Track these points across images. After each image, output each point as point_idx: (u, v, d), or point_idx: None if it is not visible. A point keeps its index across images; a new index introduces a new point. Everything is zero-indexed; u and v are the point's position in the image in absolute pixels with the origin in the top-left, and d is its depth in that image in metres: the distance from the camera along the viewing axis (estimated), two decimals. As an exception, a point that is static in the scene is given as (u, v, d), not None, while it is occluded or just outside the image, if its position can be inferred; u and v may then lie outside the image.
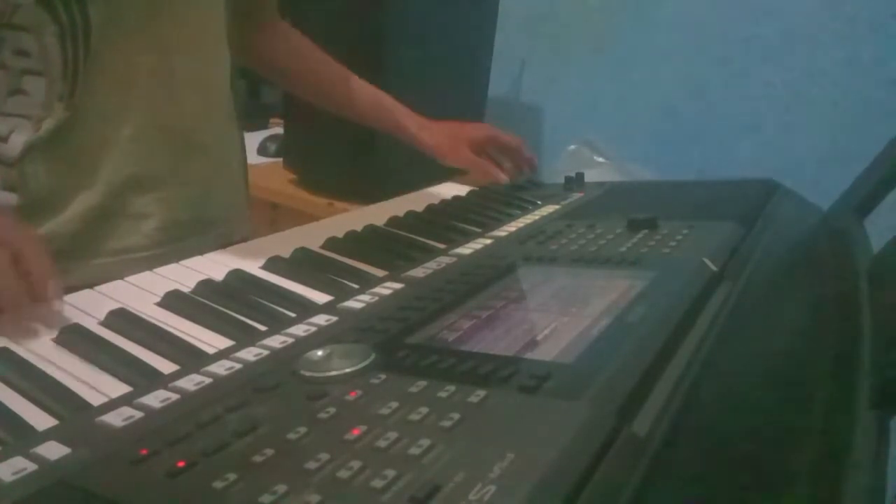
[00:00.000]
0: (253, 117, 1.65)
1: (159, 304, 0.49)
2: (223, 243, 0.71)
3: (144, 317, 0.47)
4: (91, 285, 0.51)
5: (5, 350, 0.42)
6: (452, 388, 0.32)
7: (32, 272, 0.46)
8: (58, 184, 0.62)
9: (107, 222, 0.65)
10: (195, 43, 0.68)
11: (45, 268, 0.46)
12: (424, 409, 0.30)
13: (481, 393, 0.31)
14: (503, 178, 0.88)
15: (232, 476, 0.27)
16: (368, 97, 0.89)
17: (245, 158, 0.83)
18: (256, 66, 0.88)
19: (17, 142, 0.60)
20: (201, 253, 0.60)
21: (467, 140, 0.89)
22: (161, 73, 0.65)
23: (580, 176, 0.87)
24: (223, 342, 0.43)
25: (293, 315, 0.47)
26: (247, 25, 0.82)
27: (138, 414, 0.34)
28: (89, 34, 0.60)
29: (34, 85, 0.60)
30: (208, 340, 0.44)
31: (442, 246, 0.63)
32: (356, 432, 0.29)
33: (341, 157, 1.24)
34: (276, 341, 0.42)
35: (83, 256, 0.64)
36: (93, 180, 0.63)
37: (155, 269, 0.55)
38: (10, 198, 0.61)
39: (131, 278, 0.53)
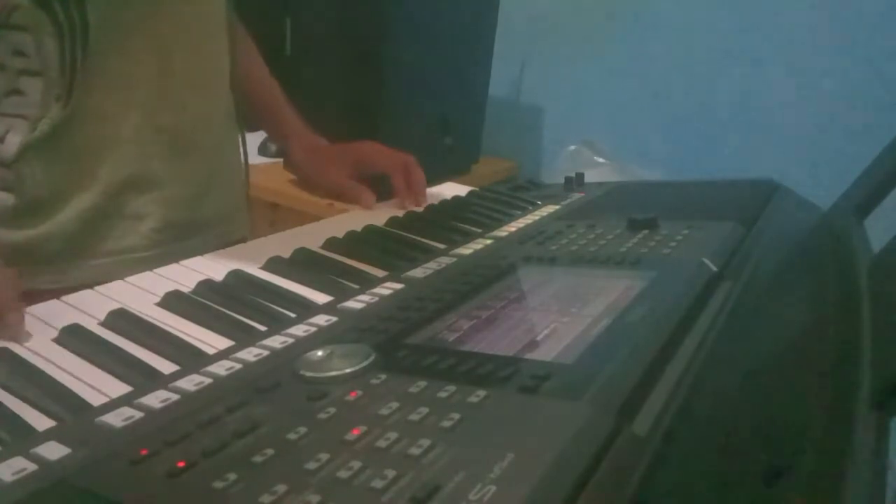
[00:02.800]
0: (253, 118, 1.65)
1: (159, 304, 0.49)
2: (222, 243, 0.71)
3: (144, 317, 0.47)
4: (89, 286, 0.51)
5: (5, 350, 0.42)
6: (452, 388, 0.32)
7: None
8: (55, 184, 0.62)
9: (104, 223, 0.65)
10: (194, 43, 0.67)
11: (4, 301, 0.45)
12: (424, 410, 0.30)
13: (481, 393, 0.31)
14: (366, 201, 0.78)
15: (232, 476, 0.27)
16: (269, 99, 0.87)
17: (246, 158, 0.83)
18: None
19: (13, 142, 0.60)
20: (200, 253, 0.60)
21: (344, 161, 0.82)
22: (159, 73, 0.65)
23: (580, 176, 0.87)
24: (223, 342, 0.43)
25: (293, 315, 0.47)
26: None
27: (138, 414, 0.34)
28: (87, 34, 0.59)
29: (31, 85, 0.60)
30: (208, 340, 0.44)
31: (442, 246, 0.63)
32: (356, 432, 0.29)
33: (341, 158, 1.24)
34: (276, 341, 0.42)
35: (80, 257, 0.64)
36: (90, 181, 0.63)
37: (155, 270, 0.55)
38: (6, 198, 0.61)
39: (131, 278, 0.53)
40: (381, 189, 0.81)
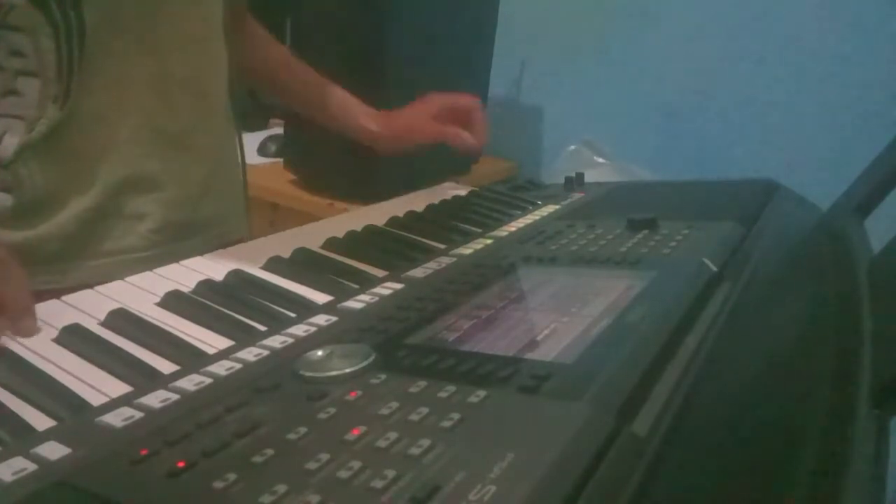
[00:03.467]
0: (253, 117, 1.65)
1: (159, 304, 0.49)
2: (221, 244, 0.71)
3: (144, 317, 0.47)
4: (88, 286, 0.51)
5: (5, 350, 0.42)
6: (452, 388, 0.32)
7: (8, 310, 0.45)
8: (52, 185, 0.62)
9: (102, 224, 0.65)
10: (191, 44, 0.67)
11: (21, 306, 0.45)
12: (424, 410, 0.30)
13: (481, 393, 0.31)
14: (467, 138, 0.81)
15: (232, 476, 0.27)
16: (316, 84, 0.88)
17: (243, 159, 0.83)
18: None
19: (11, 143, 0.60)
20: (199, 253, 0.59)
21: (422, 114, 0.85)
22: (156, 74, 0.65)
23: (580, 176, 0.87)
24: (223, 342, 0.43)
25: (293, 315, 0.47)
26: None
27: (138, 414, 0.34)
28: (84, 35, 0.59)
29: (28, 86, 0.60)
30: (208, 340, 0.44)
31: (442, 246, 0.63)
32: (356, 432, 0.29)
33: (341, 157, 1.24)
34: (276, 341, 0.42)
35: (79, 258, 0.64)
36: (88, 182, 0.63)
37: (155, 270, 0.55)
38: (5, 199, 0.61)
39: (131, 278, 0.53)
40: (383, 188, 0.81)
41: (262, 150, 1.53)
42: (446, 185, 0.90)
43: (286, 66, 0.88)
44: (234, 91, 0.77)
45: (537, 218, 0.71)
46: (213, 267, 0.56)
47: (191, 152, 0.69)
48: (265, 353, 0.41)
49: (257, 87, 0.96)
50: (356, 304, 0.48)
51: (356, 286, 0.53)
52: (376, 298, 0.49)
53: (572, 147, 1.53)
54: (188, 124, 0.69)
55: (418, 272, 0.55)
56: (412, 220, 0.72)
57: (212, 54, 0.72)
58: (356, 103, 0.87)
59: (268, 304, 0.50)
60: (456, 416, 0.30)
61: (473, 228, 0.69)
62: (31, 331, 0.45)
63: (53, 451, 0.31)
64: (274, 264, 0.57)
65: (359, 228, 0.67)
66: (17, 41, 0.59)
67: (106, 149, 0.63)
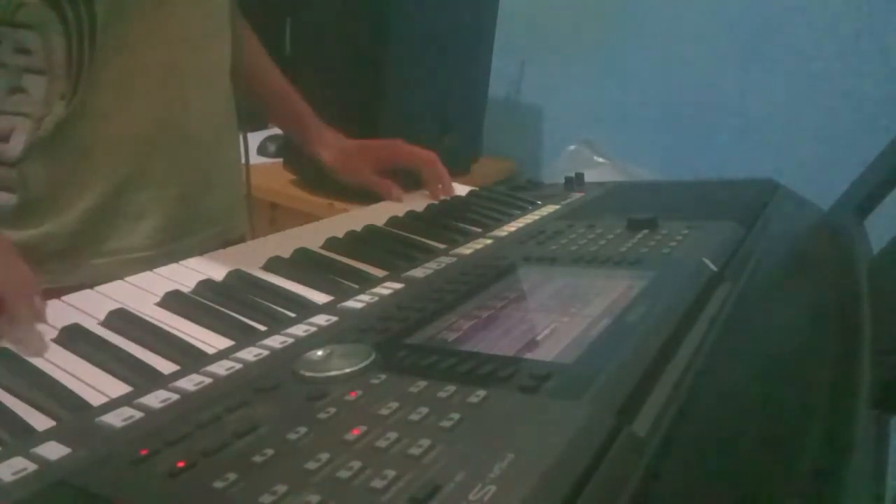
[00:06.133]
0: (253, 117, 1.65)
1: (159, 304, 0.49)
2: (221, 242, 0.71)
3: (144, 317, 0.47)
4: (90, 285, 0.51)
5: (5, 350, 0.42)
6: (452, 388, 0.32)
7: (13, 313, 0.44)
8: (57, 183, 0.62)
9: (106, 222, 0.65)
10: (197, 40, 0.67)
11: (25, 309, 0.45)
12: (424, 410, 0.30)
13: (481, 393, 0.31)
14: (396, 195, 0.82)
15: (232, 476, 0.27)
16: (287, 104, 0.88)
17: (247, 157, 0.83)
18: None
19: (19, 141, 0.60)
20: (199, 252, 0.60)
21: (371, 158, 0.85)
22: (162, 70, 0.65)
23: (580, 176, 0.87)
24: (223, 342, 0.43)
25: (293, 315, 0.47)
26: None
27: (138, 414, 0.34)
28: (95, 31, 0.59)
29: (34, 83, 0.60)
30: (208, 340, 0.44)
31: (442, 246, 0.63)
32: (356, 432, 0.29)
33: (341, 157, 1.24)
34: (276, 341, 0.42)
35: (82, 256, 0.64)
36: (92, 179, 0.63)
37: (155, 270, 0.55)
38: (9, 198, 0.61)
39: (131, 278, 0.53)
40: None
41: (262, 150, 1.53)
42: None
43: (261, 69, 0.87)
44: (237, 87, 0.77)
45: (537, 218, 0.71)
46: (213, 267, 0.56)
47: (194, 148, 0.69)
48: (265, 353, 0.41)
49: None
50: (356, 304, 0.48)
51: (356, 286, 0.53)
52: (376, 298, 0.49)
53: (572, 147, 1.53)
54: (193, 120, 0.69)
55: (418, 272, 0.55)
56: (412, 220, 0.72)
57: (217, 50, 0.72)
58: (314, 126, 0.88)
59: (268, 304, 0.50)
60: (456, 416, 0.30)
61: (473, 228, 0.69)
62: (28, 321, 0.44)
63: (53, 451, 0.31)
64: (274, 264, 0.57)
65: (359, 228, 0.67)
66: (26, 38, 0.59)
67: (111, 146, 0.63)
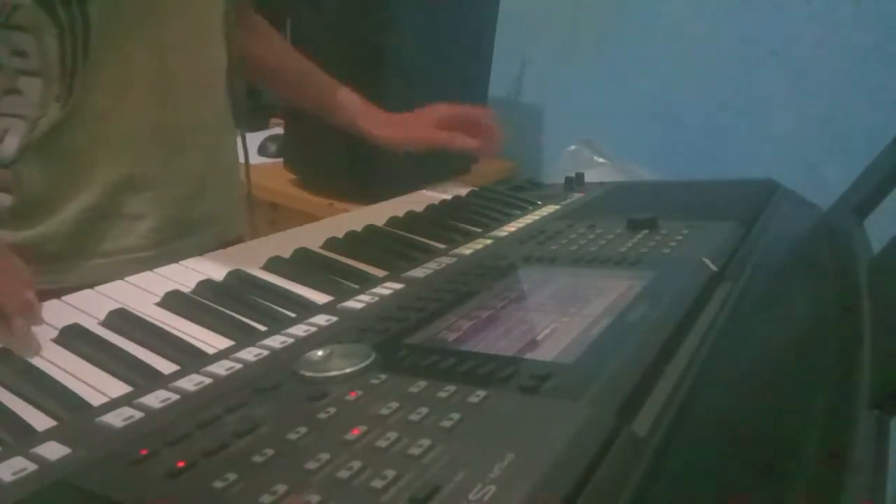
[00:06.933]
0: (253, 117, 1.65)
1: (159, 304, 0.49)
2: (220, 242, 0.71)
3: (144, 317, 0.47)
4: (88, 286, 0.51)
5: (5, 350, 0.42)
6: (452, 388, 0.32)
7: (8, 310, 0.44)
8: (52, 185, 0.62)
9: (102, 223, 0.65)
10: (192, 42, 0.67)
11: (21, 307, 0.45)
12: (424, 410, 0.30)
13: (481, 393, 0.31)
14: (470, 142, 0.81)
15: (232, 476, 0.27)
16: (325, 90, 0.88)
17: (247, 158, 0.82)
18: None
19: (13, 143, 0.60)
20: (198, 252, 0.60)
21: (423, 124, 0.84)
22: (157, 72, 0.65)
23: (580, 176, 0.87)
24: (223, 342, 0.43)
25: (293, 315, 0.47)
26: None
27: (138, 414, 0.34)
28: (88, 34, 0.59)
29: (29, 85, 0.60)
30: (208, 340, 0.44)
31: (442, 246, 0.63)
32: (356, 432, 0.29)
33: (341, 157, 1.24)
34: (276, 341, 0.42)
35: (79, 257, 0.64)
36: (88, 181, 0.63)
37: (155, 270, 0.55)
38: (4, 199, 0.61)
39: (131, 278, 0.53)
40: (383, 188, 0.81)
41: (262, 150, 1.53)
42: (446, 185, 0.90)
43: (289, 62, 0.88)
44: (233, 89, 0.77)
45: (537, 218, 0.71)
46: (213, 267, 0.56)
47: (190, 150, 0.69)
48: (265, 353, 0.41)
49: (260, 83, 0.96)
50: (356, 304, 0.48)
51: (356, 286, 0.53)
52: (376, 298, 0.49)
53: (572, 147, 1.52)
54: (187, 122, 0.69)
55: (418, 272, 0.55)
56: (412, 220, 0.72)
57: (212, 52, 0.72)
58: (359, 103, 0.87)
59: (268, 304, 0.50)
60: (456, 416, 0.30)
61: (473, 228, 0.69)
62: (35, 320, 0.44)
63: (53, 451, 0.31)
64: (274, 264, 0.57)
65: (359, 228, 0.67)
66: (21, 41, 0.59)
67: (106, 147, 0.63)
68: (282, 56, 0.88)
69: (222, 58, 0.73)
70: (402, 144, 0.85)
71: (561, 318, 0.42)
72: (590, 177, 0.88)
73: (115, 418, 0.34)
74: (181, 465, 0.28)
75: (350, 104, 0.86)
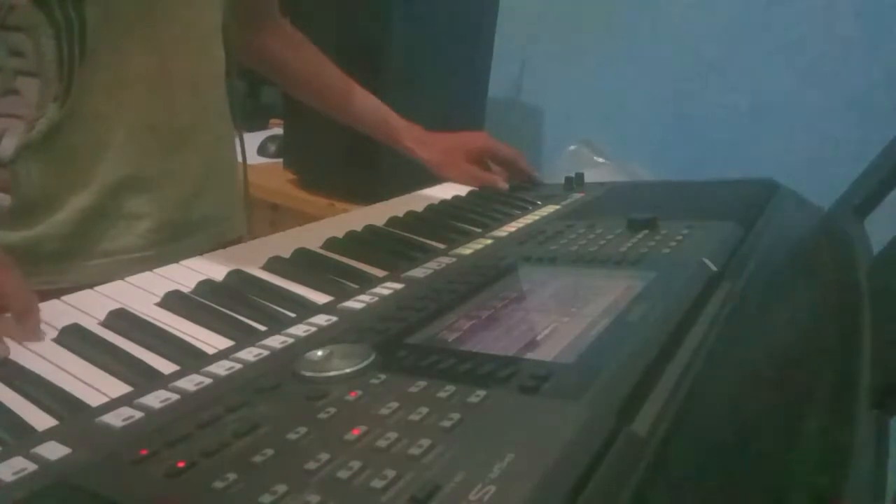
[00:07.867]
0: (253, 117, 1.66)
1: (159, 305, 0.49)
2: (219, 243, 0.71)
3: (144, 317, 0.47)
4: (86, 286, 0.51)
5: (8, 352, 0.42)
6: (452, 388, 0.32)
7: (12, 309, 0.45)
8: (51, 185, 0.62)
9: (100, 223, 0.65)
10: (190, 42, 0.67)
11: (24, 305, 0.45)
12: (424, 410, 0.30)
13: (481, 393, 0.31)
14: (503, 185, 0.88)
15: (232, 476, 0.27)
16: (367, 105, 0.90)
17: (245, 159, 0.83)
18: (257, 66, 0.89)
19: (10, 143, 0.60)
20: (196, 253, 0.59)
21: (464, 152, 0.89)
22: (155, 72, 0.65)
23: (580, 176, 0.87)
24: (223, 342, 0.43)
25: (293, 315, 0.47)
26: (249, 25, 0.82)
27: (138, 414, 0.34)
28: (85, 34, 0.59)
29: (27, 86, 0.60)
30: (208, 340, 0.44)
31: (442, 246, 0.63)
32: (356, 432, 0.29)
33: (341, 157, 1.24)
34: (276, 341, 0.42)
35: (77, 258, 0.64)
36: (86, 181, 0.63)
37: (155, 270, 0.55)
38: (2, 199, 0.61)
39: (131, 278, 0.53)
40: (383, 188, 0.82)
41: (262, 150, 1.53)
42: (446, 185, 0.90)
43: (322, 72, 0.89)
44: (231, 90, 0.77)
45: (537, 218, 0.71)
46: (213, 267, 0.56)
47: (188, 151, 0.69)
48: (265, 353, 0.41)
49: (289, 91, 0.96)
50: (356, 304, 0.48)
51: (356, 286, 0.53)
52: (376, 298, 0.49)
53: (572, 147, 1.52)
54: (186, 122, 0.69)
55: (418, 272, 0.54)
56: (412, 220, 0.72)
57: (210, 52, 0.72)
58: (395, 118, 0.90)
59: (268, 304, 0.50)
60: (456, 416, 0.30)
61: (473, 228, 0.69)
62: (33, 330, 0.44)
63: (53, 451, 0.31)
64: (274, 264, 0.57)
65: (359, 228, 0.67)
66: (17, 41, 0.59)
67: (104, 148, 0.63)
68: (314, 66, 0.89)
69: (221, 59, 0.73)
70: (450, 176, 0.89)
71: (561, 318, 0.42)
72: (590, 177, 0.88)
73: (115, 418, 0.34)
74: (181, 465, 0.28)
75: (389, 120, 0.90)
